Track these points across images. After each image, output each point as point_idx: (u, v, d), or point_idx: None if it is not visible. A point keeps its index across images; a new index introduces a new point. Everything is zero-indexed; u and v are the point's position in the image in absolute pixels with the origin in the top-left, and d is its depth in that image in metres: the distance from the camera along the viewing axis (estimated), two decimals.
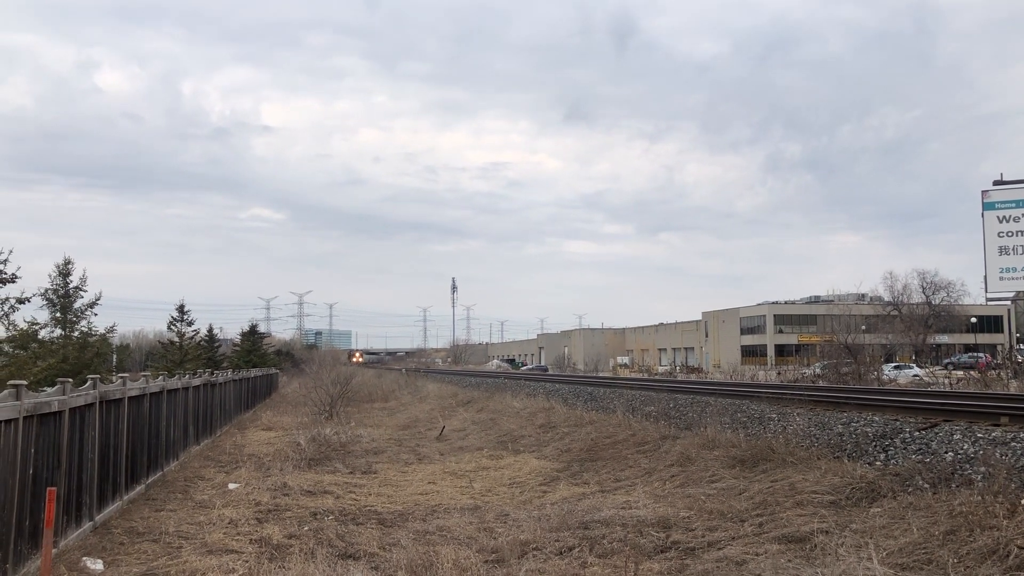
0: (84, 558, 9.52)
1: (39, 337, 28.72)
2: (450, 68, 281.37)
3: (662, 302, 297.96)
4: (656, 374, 79.45)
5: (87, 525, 10.96)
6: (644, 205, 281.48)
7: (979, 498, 9.10)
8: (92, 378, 11.67)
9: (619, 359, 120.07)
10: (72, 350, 28.29)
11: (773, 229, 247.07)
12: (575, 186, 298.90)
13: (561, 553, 9.62)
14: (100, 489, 11.66)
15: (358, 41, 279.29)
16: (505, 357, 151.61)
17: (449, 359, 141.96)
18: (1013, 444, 11.11)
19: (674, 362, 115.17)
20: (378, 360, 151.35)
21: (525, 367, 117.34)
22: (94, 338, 30.58)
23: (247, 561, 9.47)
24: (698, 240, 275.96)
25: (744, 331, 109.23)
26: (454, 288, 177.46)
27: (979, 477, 10.15)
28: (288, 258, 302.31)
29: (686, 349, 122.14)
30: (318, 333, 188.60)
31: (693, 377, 63.51)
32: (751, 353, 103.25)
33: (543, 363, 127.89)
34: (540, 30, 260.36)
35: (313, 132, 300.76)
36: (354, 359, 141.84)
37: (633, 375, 73.52)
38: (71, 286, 30.59)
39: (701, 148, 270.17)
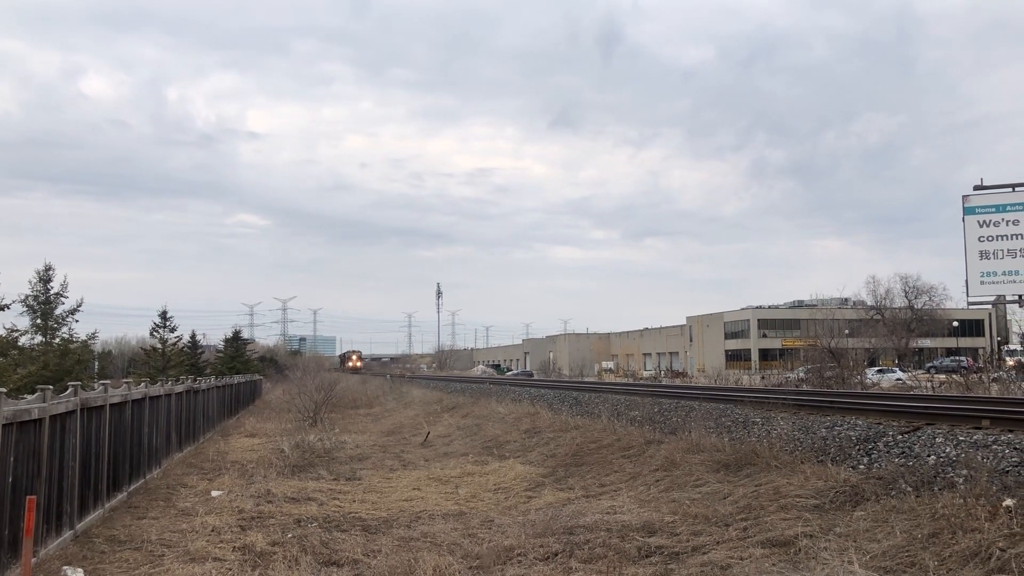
0: (65, 567, 9.41)
1: (19, 344, 28.48)
2: (437, 75, 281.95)
3: (647, 307, 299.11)
4: (641, 379, 79.58)
5: (68, 534, 10.85)
6: (630, 211, 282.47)
7: (961, 501, 9.16)
8: (73, 385, 11.58)
9: (604, 364, 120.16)
10: (53, 357, 28.10)
11: (757, 234, 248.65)
12: (561, 192, 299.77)
13: (545, 559, 9.60)
14: (81, 497, 11.56)
15: (345, 48, 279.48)
16: (490, 362, 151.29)
17: (434, 364, 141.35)
18: (994, 447, 11.19)
19: (659, 367, 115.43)
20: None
21: (510, 372, 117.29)
22: (75, 345, 30.41)
23: (230, 569, 9.41)
24: (683, 245, 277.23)
25: (728, 336, 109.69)
26: (439, 294, 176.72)
27: (961, 480, 10.21)
28: (273, 264, 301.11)
29: (671, 354, 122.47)
30: (302, 339, 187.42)
31: (678, 382, 63.63)
32: (735, 357, 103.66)
33: (528, 368, 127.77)
34: (527, 37, 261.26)
35: (299, 138, 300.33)
36: (351, 363, 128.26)
37: (618, 380, 73.60)
38: (52, 292, 30.40)
39: (686, 154, 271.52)
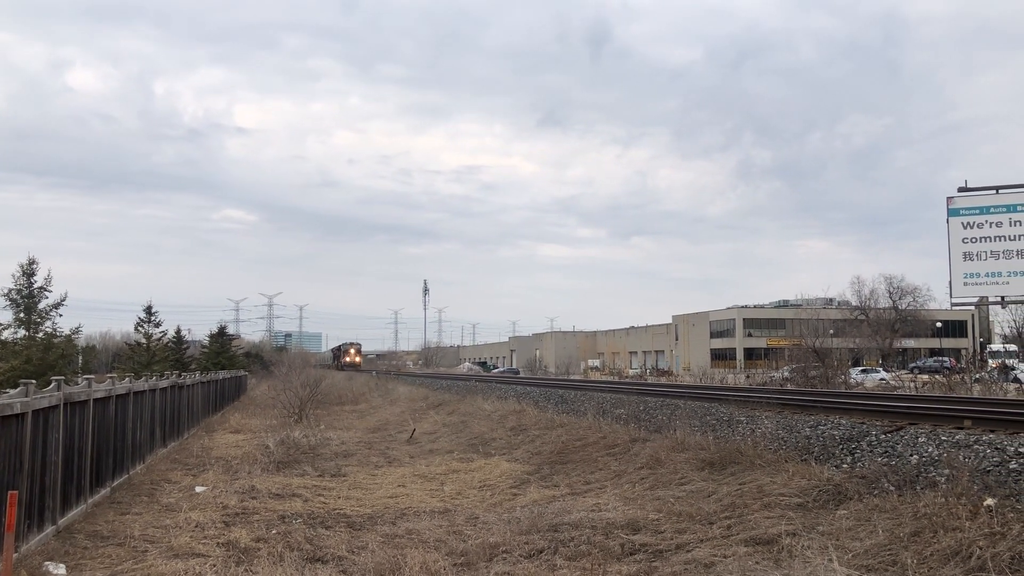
0: (46, 563, 9.36)
1: (2, 338, 28.29)
2: (426, 72, 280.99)
3: (634, 306, 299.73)
4: (627, 377, 79.78)
5: (50, 529, 10.78)
6: (617, 210, 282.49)
7: (943, 500, 9.23)
8: (56, 380, 11.50)
9: (590, 362, 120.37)
10: (36, 351, 27.91)
11: (744, 234, 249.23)
12: (549, 190, 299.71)
13: (530, 556, 9.63)
14: (64, 492, 11.48)
15: (334, 43, 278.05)
16: (477, 360, 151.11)
17: (420, 361, 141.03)
18: (976, 447, 11.28)
19: (644, 365, 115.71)
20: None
21: (497, 370, 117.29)
22: (59, 339, 30.19)
23: (214, 565, 9.38)
24: (670, 244, 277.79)
25: (714, 335, 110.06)
26: (426, 290, 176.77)
27: (943, 479, 10.28)
28: (259, 260, 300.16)
29: (656, 352, 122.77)
30: (288, 335, 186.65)
31: (663, 380, 63.81)
32: (720, 356, 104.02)
33: (515, 366, 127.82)
34: (516, 36, 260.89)
35: (287, 133, 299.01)
36: (348, 358, 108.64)
37: (604, 378, 73.72)
38: (35, 286, 30.17)
39: (674, 154, 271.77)
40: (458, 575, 8.96)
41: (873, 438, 13.18)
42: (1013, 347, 64.98)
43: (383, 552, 9.75)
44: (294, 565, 9.42)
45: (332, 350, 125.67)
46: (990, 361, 50.70)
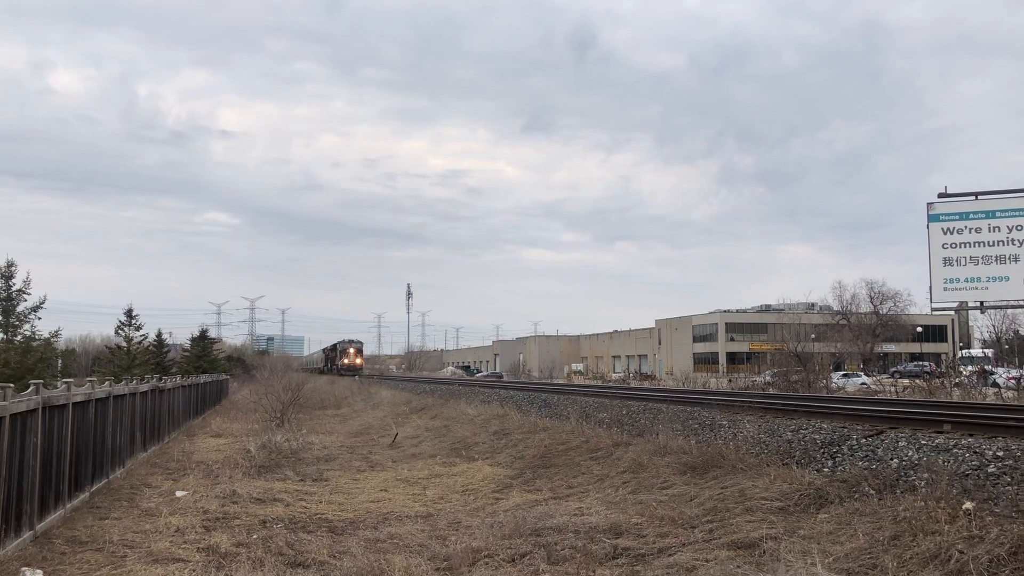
0: (23, 568, 9.26)
1: None
2: (410, 75, 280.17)
3: (617, 310, 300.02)
4: (610, 381, 79.92)
5: (27, 534, 10.67)
6: (601, 214, 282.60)
7: (922, 504, 9.29)
8: (35, 383, 11.39)
9: (574, 366, 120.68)
10: (14, 354, 27.63)
11: (726, 239, 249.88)
12: (534, 195, 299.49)
13: (513, 560, 9.61)
14: (42, 497, 11.37)
15: (318, 47, 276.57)
16: (460, 364, 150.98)
17: (404, 365, 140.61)
18: (955, 451, 11.37)
19: (628, 369, 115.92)
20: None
21: (480, 374, 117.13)
22: (38, 342, 29.94)
23: (194, 570, 9.32)
24: (653, 249, 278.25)
25: (696, 339, 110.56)
26: (409, 294, 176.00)
27: (922, 483, 10.36)
28: (242, 263, 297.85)
29: (640, 356, 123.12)
30: (270, 339, 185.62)
31: (646, 384, 63.89)
32: (703, 361, 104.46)
33: (498, 370, 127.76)
34: (501, 41, 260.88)
35: (271, 137, 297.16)
36: (347, 360, 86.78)
37: (587, 382, 73.78)
38: (14, 289, 29.91)
39: (657, 159, 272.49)
40: None
41: (854, 442, 13.26)
42: (989, 352, 65.63)
43: (365, 557, 9.72)
44: (275, 570, 9.37)
45: (324, 350, 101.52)
46: (969, 367, 51.09)
